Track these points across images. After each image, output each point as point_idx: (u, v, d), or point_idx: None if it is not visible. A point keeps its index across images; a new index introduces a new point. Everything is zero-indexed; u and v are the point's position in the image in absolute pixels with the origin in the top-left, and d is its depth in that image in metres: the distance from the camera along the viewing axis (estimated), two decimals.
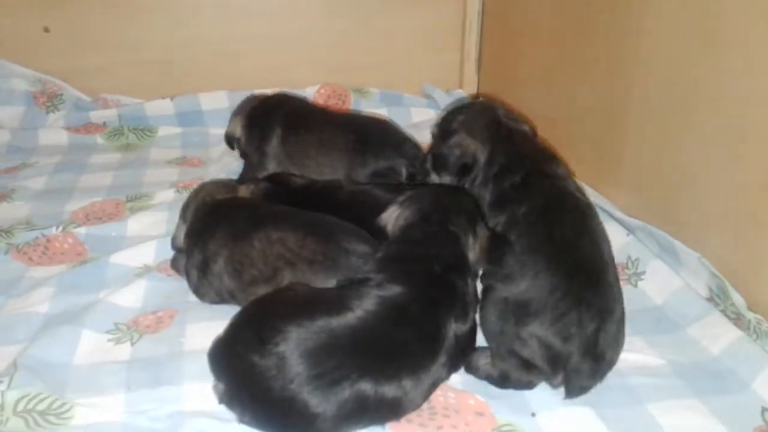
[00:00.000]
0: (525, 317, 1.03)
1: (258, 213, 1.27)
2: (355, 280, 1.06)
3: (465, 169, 1.28)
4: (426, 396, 0.99)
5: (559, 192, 1.19)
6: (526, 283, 1.05)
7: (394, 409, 0.95)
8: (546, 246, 1.09)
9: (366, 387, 0.90)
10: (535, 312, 1.02)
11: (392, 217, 1.17)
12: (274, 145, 1.65)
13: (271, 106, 1.74)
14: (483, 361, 1.08)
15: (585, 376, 1.02)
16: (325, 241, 1.17)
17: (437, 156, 1.34)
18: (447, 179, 1.32)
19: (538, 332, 1.02)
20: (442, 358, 0.99)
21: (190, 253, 1.27)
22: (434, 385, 1.00)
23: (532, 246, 1.10)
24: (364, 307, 0.97)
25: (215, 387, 0.98)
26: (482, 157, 1.27)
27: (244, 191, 1.40)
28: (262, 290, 1.15)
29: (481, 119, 1.32)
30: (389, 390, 0.92)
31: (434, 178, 1.36)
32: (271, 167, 1.65)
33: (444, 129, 1.34)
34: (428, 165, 1.37)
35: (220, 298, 1.24)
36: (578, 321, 1.01)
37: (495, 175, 1.24)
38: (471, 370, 1.09)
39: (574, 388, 1.03)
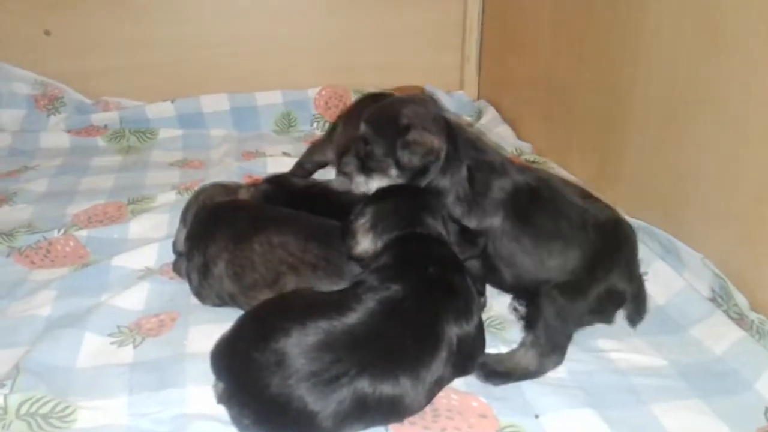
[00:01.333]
0: (594, 279, 1.14)
1: (258, 216, 1.26)
2: (355, 282, 1.07)
3: (426, 168, 1.19)
4: (429, 396, 0.98)
5: (538, 172, 1.28)
6: (571, 260, 1.15)
7: (394, 409, 0.94)
8: (572, 218, 1.17)
9: (364, 384, 0.90)
10: (602, 273, 1.14)
11: (369, 250, 1.11)
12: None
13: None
14: (513, 362, 1.09)
15: (644, 302, 1.20)
16: (326, 245, 1.17)
17: (387, 158, 1.20)
18: (396, 180, 1.21)
19: (613, 283, 1.14)
20: (443, 354, 0.98)
21: (191, 256, 1.26)
22: (437, 385, 0.99)
23: (560, 227, 1.17)
24: (364, 306, 0.97)
25: (215, 386, 0.98)
26: (443, 152, 1.19)
27: (244, 194, 1.40)
28: (263, 295, 1.15)
29: (426, 112, 1.22)
30: (387, 387, 0.92)
31: (359, 182, 1.26)
32: (330, 154, 1.75)
33: (388, 125, 1.21)
34: (350, 168, 1.26)
35: (221, 301, 1.23)
36: (627, 261, 1.17)
37: (469, 168, 1.20)
38: (498, 377, 1.07)
39: (639, 318, 1.20)
